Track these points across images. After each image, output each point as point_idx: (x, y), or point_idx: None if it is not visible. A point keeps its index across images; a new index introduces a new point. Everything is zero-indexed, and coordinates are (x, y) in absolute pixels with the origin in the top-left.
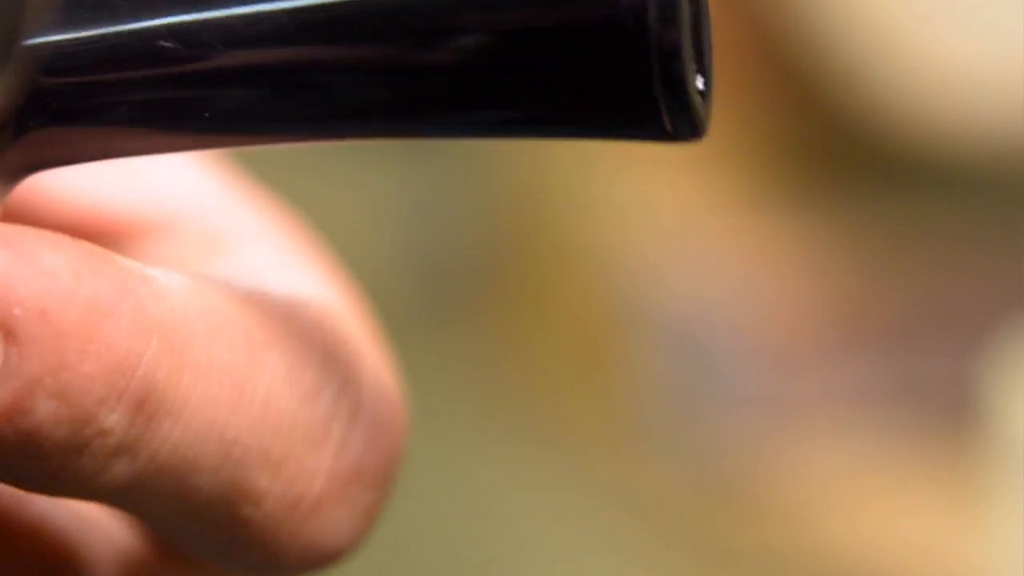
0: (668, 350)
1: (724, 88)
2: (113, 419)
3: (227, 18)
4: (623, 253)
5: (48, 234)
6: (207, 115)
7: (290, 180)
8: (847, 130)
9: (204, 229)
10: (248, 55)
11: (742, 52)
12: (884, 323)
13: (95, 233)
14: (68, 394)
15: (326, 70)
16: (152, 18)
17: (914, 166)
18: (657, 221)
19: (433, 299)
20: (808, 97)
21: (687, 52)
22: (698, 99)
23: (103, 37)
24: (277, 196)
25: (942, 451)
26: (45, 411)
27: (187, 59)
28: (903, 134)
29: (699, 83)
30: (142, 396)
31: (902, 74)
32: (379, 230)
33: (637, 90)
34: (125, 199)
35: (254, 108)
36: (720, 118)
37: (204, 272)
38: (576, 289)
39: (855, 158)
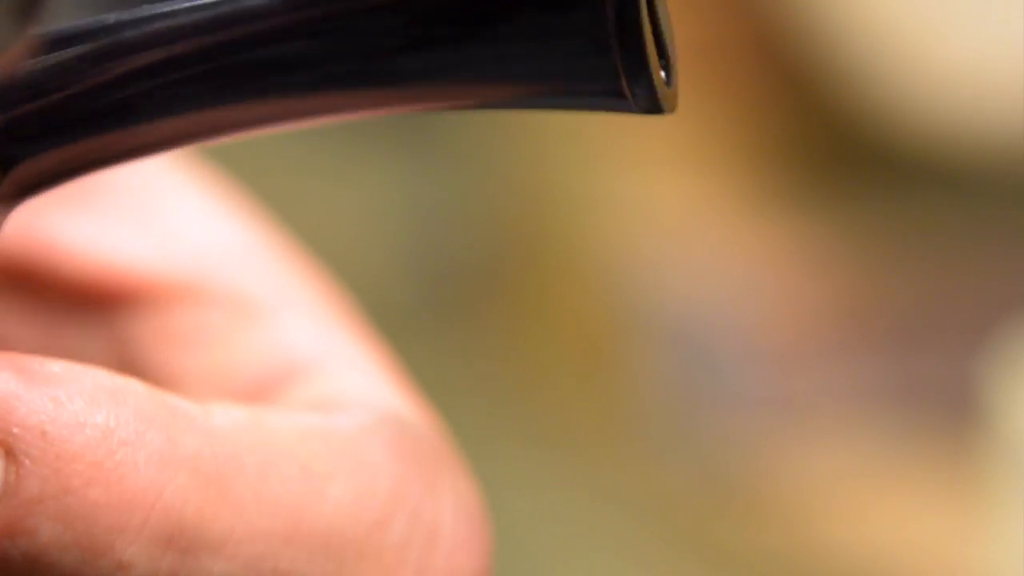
0: (670, 350)
1: (726, 88)
2: (132, 552)
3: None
4: (625, 253)
5: (68, 364)
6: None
7: (292, 182)
8: (849, 131)
9: (236, 296)
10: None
11: (744, 52)
12: (886, 323)
13: (118, 295)
14: (72, 520)
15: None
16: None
17: (916, 167)
18: (659, 221)
19: (435, 299)
20: (810, 98)
21: (644, 26)
22: (658, 72)
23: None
24: (282, 200)
25: (944, 451)
26: (49, 534)
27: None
28: (905, 135)
29: (660, 63)
30: (169, 530)
31: (904, 74)
32: (380, 230)
33: (595, 51)
34: (151, 259)
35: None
36: (722, 118)
37: (237, 347)
38: (578, 289)
39: (857, 159)
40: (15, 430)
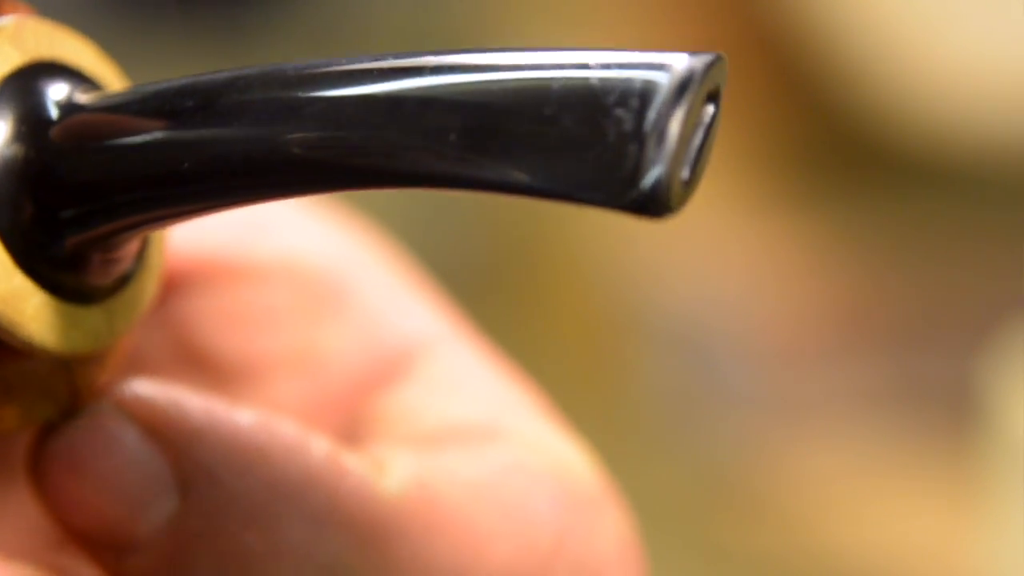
0: (670, 351)
1: (728, 89)
2: None
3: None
4: (625, 255)
5: (258, 412)
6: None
7: None
8: (849, 131)
9: (304, 275)
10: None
11: (745, 53)
12: (886, 324)
13: (168, 276)
14: (227, 560)
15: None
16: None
17: (916, 167)
18: (659, 223)
19: None
20: (810, 98)
21: (673, 169)
22: (670, 193)
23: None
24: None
25: (944, 451)
26: (204, 570)
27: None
28: (905, 135)
29: (684, 174)
30: None
31: (904, 75)
32: (379, 230)
33: (614, 190)
34: (191, 237)
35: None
36: (724, 119)
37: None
38: (579, 290)
39: (857, 159)
40: (191, 467)
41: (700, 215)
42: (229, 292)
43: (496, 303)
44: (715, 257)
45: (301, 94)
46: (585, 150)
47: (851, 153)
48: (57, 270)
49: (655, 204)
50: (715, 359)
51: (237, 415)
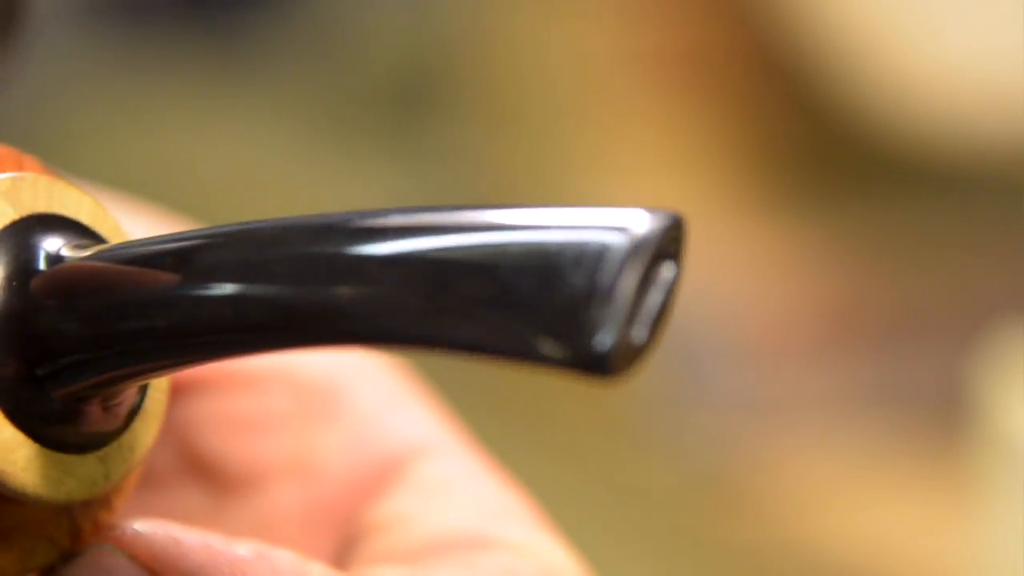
0: (660, 351)
1: (717, 91)
2: None
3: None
4: None
5: (255, 547)
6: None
7: (296, 181)
8: (840, 134)
9: (302, 381)
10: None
11: (737, 55)
12: (875, 324)
13: (173, 381)
14: None
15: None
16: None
17: (908, 170)
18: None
19: None
20: (801, 100)
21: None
22: (620, 355)
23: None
24: (280, 200)
25: (933, 451)
26: None
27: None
28: (896, 138)
29: (640, 336)
30: None
31: (897, 78)
32: None
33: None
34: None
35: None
36: (713, 121)
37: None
38: None
39: (847, 161)
40: None
41: (692, 216)
42: (228, 398)
43: None
44: (705, 259)
45: (270, 252)
46: (538, 310)
47: (842, 156)
48: (47, 421)
49: (604, 365)
50: (705, 360)
51: (235, 548)
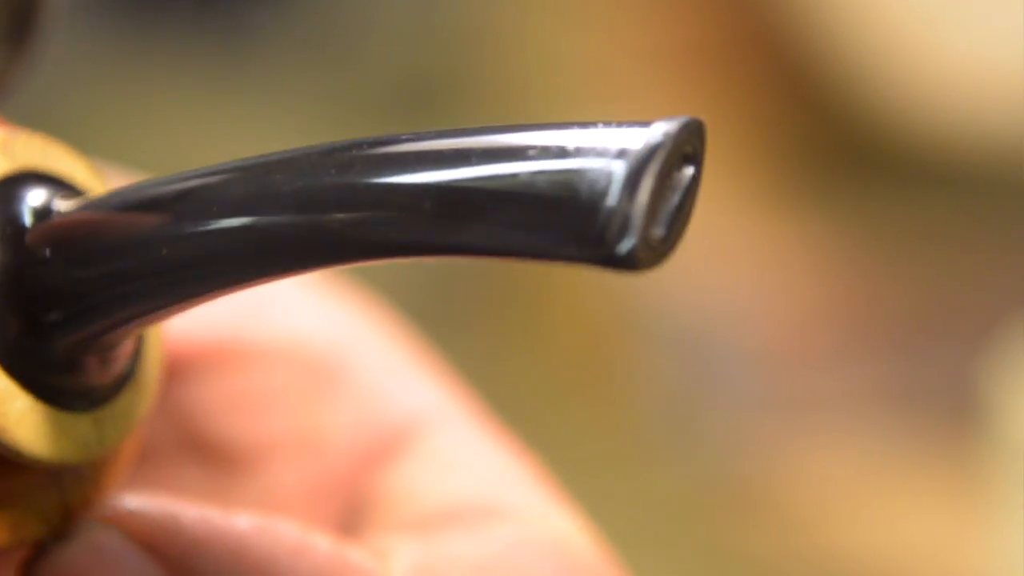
0: (671, 353)
1: (728, 90)
2: None
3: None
4: None
5: (254, 518)
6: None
7: None
8: (851, 133)
9: (303, 354)
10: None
11: (747, 54)
12: (887, 325)
13: (168, 364)
14: None
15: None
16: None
17: (919, 168)
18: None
19: (438, 306)
20: (812, 99)
21: (640, 225)
22: (643, 249)
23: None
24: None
25: (946, 452)
26: None
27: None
28: (908, 136)
29: (659, 231)
30: None
31: (908, 76)
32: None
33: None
34: (191, 323)
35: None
36: (724, 120)
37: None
38: (580, 292)
39: (859, 161)
40: (198, 570)
41: (702, 217)
42: (228, 375)
43: (498, 306)
44: (717, 258)
45: (276, 177)
46: (558, 209)
47: (853, 154)
48: (44, 373)
49: (628, 260)
50: (717, 361)
51: (235, 522)
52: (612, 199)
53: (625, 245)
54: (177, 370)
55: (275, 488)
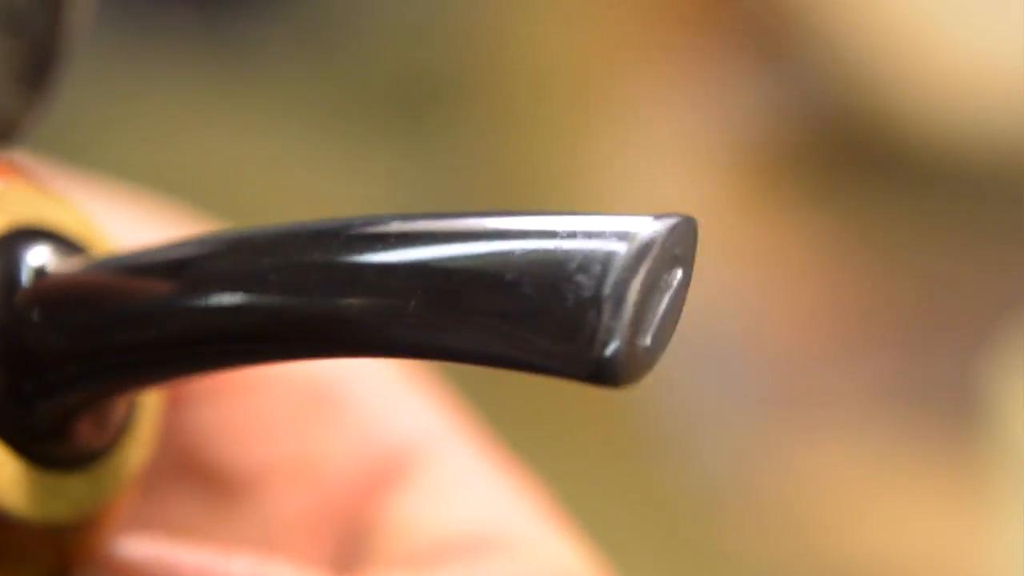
0: (673, 352)
1: (732, 89)
2: None
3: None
4: None
5: (255, 561)
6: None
7: (303, 180)
8: (854, 131)
9: (301, 381)
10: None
11: (751, 52)
12: (890, 324)
13: (169, 389)
14: None
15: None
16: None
17: (921, 167)
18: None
19: None
20: (815, 99)
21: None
22: (627, 362)
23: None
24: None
25: (948, 452)
26: None
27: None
28: (910, 135)
29: (645, 341)
30: None
31: (911, 75)
32: None
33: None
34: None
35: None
36: (729, 119)
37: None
38: None
39: (862, 159)
40: None
41: (705, 215)
42: (227, 401)
43: None
44: (720, 257)
45: (265, 261)
46: (544, 317)
47: (857, 154)
48: (34, 438)
49: (612, 373)
50: (719, 359)
51: (231, 567)
52: (595, 314)
53: (609, 363)
54: (174, 395)
55: (273, 516)
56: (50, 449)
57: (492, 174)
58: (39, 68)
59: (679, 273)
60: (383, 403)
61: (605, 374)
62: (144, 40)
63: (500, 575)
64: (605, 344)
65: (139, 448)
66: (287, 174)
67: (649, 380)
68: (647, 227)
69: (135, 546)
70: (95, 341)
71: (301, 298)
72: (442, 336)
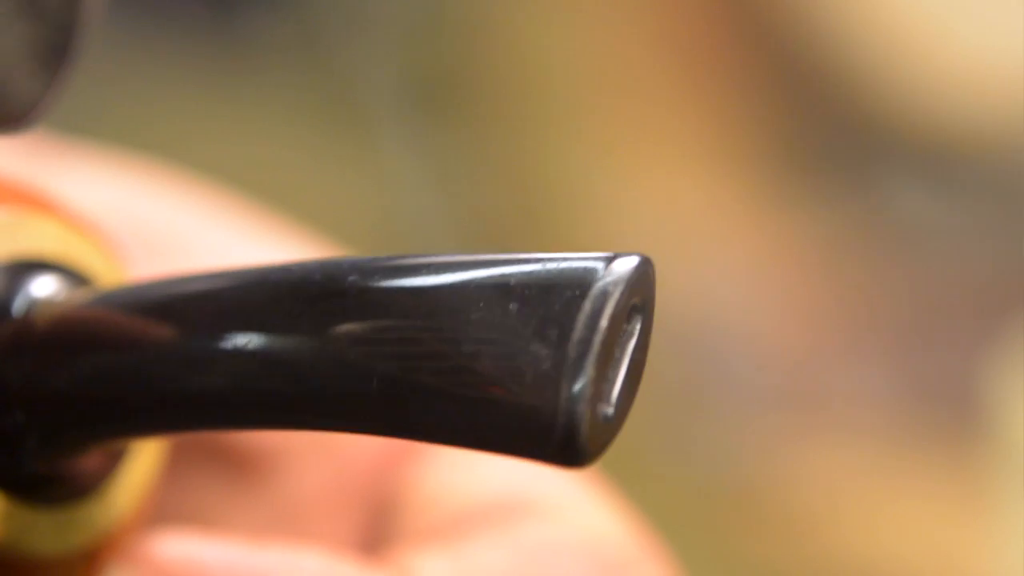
0: (673, 352)
1: (731, 88)
2: None
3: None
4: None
5: (281, 552)
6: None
7: (305, 180)
8: (854, 129)
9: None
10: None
11: (747, 50)
12: (890, 323)
13: None
14: None
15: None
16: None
17: (922, 166)
18: (665, 222)
19: None
20: (813, 94)
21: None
22: (590, 439)
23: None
24: (283, 193)
25: (950, 451)
26: None
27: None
28: (911, 133)
29: (607, 411)
30: None
31: (910, 72)
32: (381, 231)
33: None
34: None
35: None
36: (727, 117)
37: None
38: None
39: (862, 158)
40: None
41: (704, 213)
42: None
43: None
44: (719, 256)
45: (228, 332)
46: (505, 398)
47: (856, 152)
48: (33, 481)
49: (575, 453)
50: (718, 358)
51: (258, 560)
52: (553, 393)
53: (571, 443)
54: None
55: (297, 493)
56: (49, 486)
57: (496, 174)
58: (58, 50)
59: (638, 322)
60: None
61: (568, 454)
62: (148, 41)
63: (529, 546)
64: (567, 426)
65: (147, 460)
66: (289, 173)
67: (649, 379)
68: (603, 277)
69: (161, 542)
70: (85, 388)
71: (255, 379)
72: (403, 415)
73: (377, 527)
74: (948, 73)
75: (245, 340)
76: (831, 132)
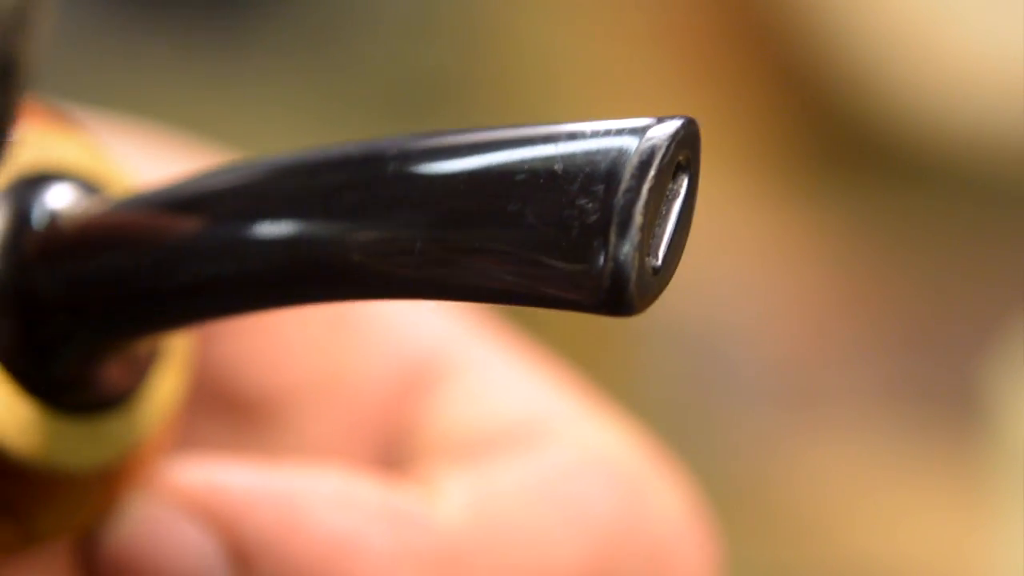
0: (676, 351)
1: (734, 85)
2: None
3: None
4: None
5: (301, 469)
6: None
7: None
8: (857, 128)
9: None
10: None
11: (752, 48)
12: (891, 322)
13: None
14: None
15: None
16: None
17: (923, 165)
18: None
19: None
20: (818, 94)
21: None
22: (638, 288)
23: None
24: None
25: (950, 451)
26: None
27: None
28: (913, 132)
29: (655, 262)
30: None
31: (914, 71)
32: None
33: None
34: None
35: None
36: (731, 116)
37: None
38: None
39: (865, 156)
40: (244, 543)
41: (707, 211)
42: (249, 330)
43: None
44: (723, 254)
45: (262, 205)
46: (551, 250)
47: (859, 150)
48: (61, 389)
49: (623, 301)
50: (722, 356)
51: (279, 479)
52: (602, 242)
53: (620, 290)
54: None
55: (307, 434)
56: (79, 396)
57: None
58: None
59: (684, 180)
60: (409, 314)
61: (616, 302)
62: (149, 37)
63: (548, 465)
64: (615, 272)
65: (174, 376)
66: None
67: (649, 379)
68: (648, 134)
69: (183, 468)
70: (103, 289)
71: (301, 244)
72: (451, 273)
73: (392, 454)
74: (948, 73)
75: (285, 221)
76: (831, 132)
